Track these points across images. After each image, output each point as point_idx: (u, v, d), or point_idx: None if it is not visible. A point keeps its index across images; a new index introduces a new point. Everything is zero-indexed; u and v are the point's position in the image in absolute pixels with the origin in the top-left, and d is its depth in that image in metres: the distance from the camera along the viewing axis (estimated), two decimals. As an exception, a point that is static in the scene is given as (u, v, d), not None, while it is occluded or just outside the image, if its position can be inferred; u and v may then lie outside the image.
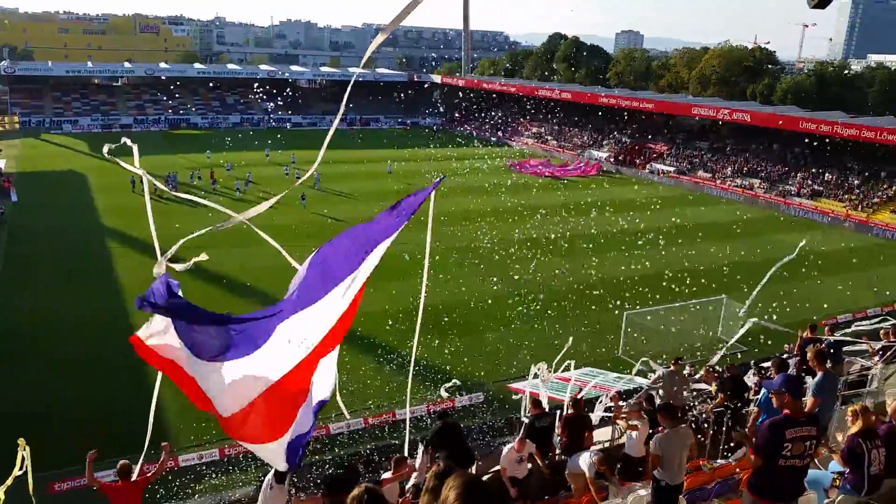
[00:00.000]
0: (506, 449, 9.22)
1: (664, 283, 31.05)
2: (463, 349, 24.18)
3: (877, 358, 12.30)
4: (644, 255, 36.46)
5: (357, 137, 68.91)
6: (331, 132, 3.57)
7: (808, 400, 8.33)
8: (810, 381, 8.77)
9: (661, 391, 12.90)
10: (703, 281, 31.50)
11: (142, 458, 6.86)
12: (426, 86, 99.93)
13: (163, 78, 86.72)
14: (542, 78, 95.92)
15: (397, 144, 69.71)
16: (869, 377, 11.76)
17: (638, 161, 67.91)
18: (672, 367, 12.90)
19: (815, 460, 7.85)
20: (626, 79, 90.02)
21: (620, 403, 11.94)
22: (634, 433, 9.73)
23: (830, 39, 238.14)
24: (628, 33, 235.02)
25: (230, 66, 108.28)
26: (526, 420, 11.13)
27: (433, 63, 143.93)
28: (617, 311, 26.48)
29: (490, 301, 28.70)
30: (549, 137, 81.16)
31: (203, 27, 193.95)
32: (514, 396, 19.76)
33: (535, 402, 11.46)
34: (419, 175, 55.11)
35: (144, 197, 4.27)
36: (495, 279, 31.84)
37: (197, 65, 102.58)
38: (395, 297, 26.43)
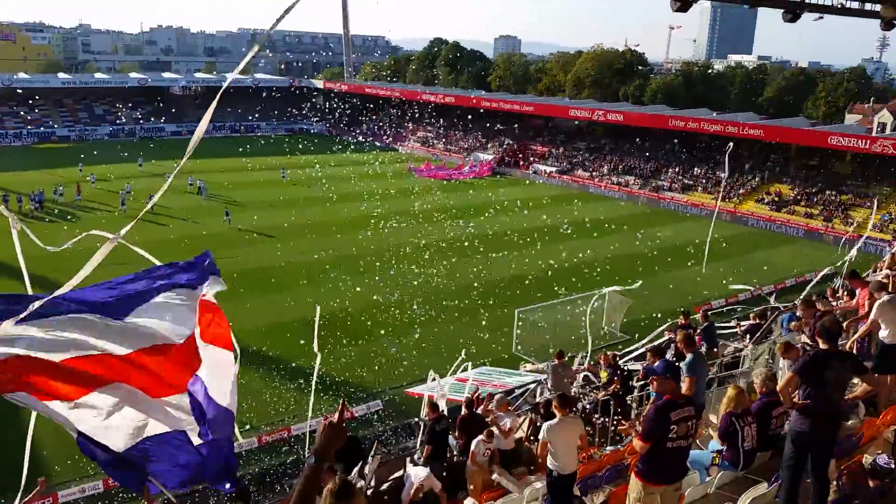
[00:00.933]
0: (413, 480, 9.02)
1: (553, 279, 32.06)
2: (358, 357, 23.94)
3: (747, 339, 13.16)
4: (533, 253, 37.49)
5: (243, 147, 66.76)
6: (194, 140, 3.35)
7: (685, 379, 8.82)
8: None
9: (549, 384, 13.22)
10: (587, 275, 32.82)
11: (18, 498, 6.35)
12: (312, 91, 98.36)
13: (19, 91, 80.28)
14: (426, 82, 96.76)
15: (285, 151, 68.18)
16: (741, 358, 12.58)
17: (521, 162, 69.81)
18: (556, 361, 13.23)
19: (697, 441, 8.30)
20: (507, 82, 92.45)
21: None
22: (507, 418, 9.91)
23: (694, 41, 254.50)
24: (506, 38, 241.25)
25: (98, 75, 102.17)
26: (422, 423, 11.12)
27: (315, 68, 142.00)
28: (506, 309, 27.09)
29: (384, 307, 28.60)
30: (436, 141, 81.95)
31: (66, 35, 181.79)
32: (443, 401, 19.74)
33: (433, 405, 11.45)
34: (313, 181, 54.12)
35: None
36: (388, 284, 31.73)
37: (61, 74, 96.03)
38: (285, 310, 25.84)
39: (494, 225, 43.86)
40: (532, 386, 16.28)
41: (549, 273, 33.77)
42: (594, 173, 63.64)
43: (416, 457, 10.57)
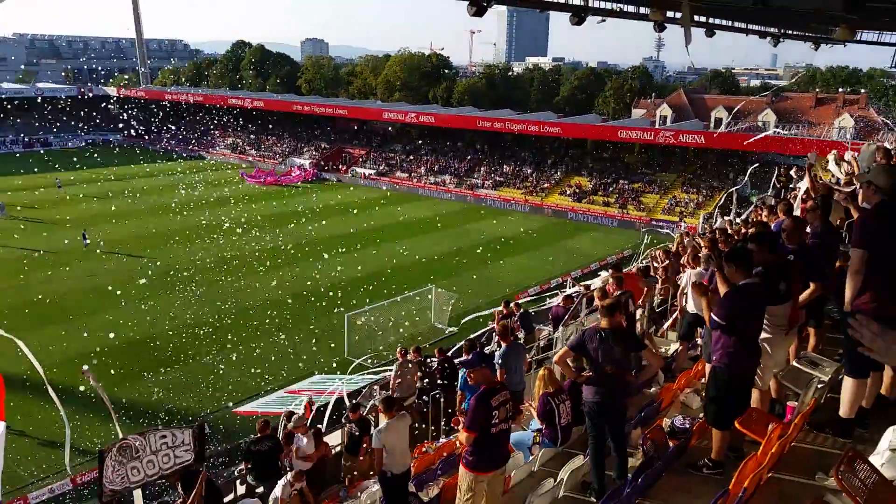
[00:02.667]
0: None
1: (378, 281, 32.19)
2: (177, 381, 22.48)
3: (556, 325, 13.98)
4: (359, 256, 37.41)
5: (34, 161, 60.03)
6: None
7: (499, 370, 9.26)
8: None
9: (398, 383, 13.20)
10: (414, 274, 33.38)
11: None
12: (108, 100, 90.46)
13: None
14: (231, 87, 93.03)
15: (79, 164, 62.21)
16: (554, 340, 13.39)
17: (340, 166, 69.42)
18: (401, 359, 13.28)
19: (520, 423, 8.71)
20: (317, 86, 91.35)
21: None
22: (304, 439, 9.70)
23: (494, 44, 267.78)
24: (314, 41, 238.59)
25: None
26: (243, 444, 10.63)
27: (107, 75, 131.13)
28: (336, 315, 26.80)
29: (204, 325, 27.09)
30: (248, 147, 79.08)
31: None
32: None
33: (264, 422, 11.04)
34: (108, 199, 49.89)
35: None
36: (207, 300, 30.10)
37: None
38: (85, 338, 23.63)
39: (317, 230, 43.22)
40: (365, 389, 16.22)
41: (377, 275, 33.89)
42: (412, 174, 64.83)
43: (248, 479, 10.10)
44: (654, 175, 55.61)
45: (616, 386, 5.81)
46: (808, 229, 6.86)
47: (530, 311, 17.01)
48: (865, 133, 48.31)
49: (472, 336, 17.65)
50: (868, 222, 4.68)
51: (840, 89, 69.94)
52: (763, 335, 5.77)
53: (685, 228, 26.78)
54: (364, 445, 9.85)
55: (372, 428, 9.81)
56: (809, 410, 5.69)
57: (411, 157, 67.87)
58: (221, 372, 23.29)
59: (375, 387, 14.98)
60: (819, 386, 6.10)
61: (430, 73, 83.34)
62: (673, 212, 49.45)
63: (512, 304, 16.36)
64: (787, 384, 6.17)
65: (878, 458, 4.60)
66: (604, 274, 14.74)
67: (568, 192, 55.83)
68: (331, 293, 30.82)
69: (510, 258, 38.52)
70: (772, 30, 21.43)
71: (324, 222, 45.52)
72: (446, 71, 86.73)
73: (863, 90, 67.98)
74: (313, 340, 25.80)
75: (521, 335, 15.16)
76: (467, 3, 11.91)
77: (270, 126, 78.69)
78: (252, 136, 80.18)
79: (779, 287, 5.83)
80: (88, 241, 38.40)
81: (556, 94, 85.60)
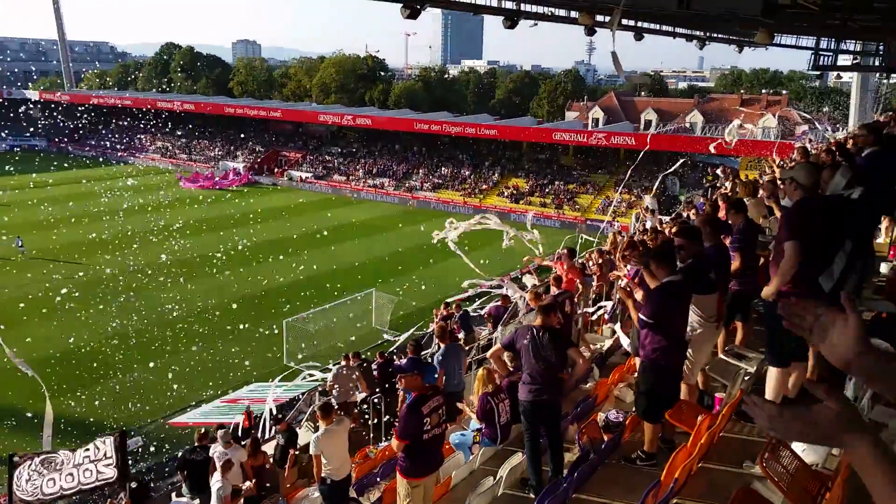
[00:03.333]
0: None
1: (318, 285, 31.81)
2: (110, 394, 21.68)
3: (492, 326, 14.14)
4: (296, 261, 36.87)
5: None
6: None
7: (438, 370, 9.30)
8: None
9: (335, 390, 13.05)
10: (353, 277, 33.11)
11: None
12: (27, 103, 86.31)
13: None
14: (161, 90, 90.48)
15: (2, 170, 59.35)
16: (493, 340, 13.51)
17: (275, 169, 68.34)
18: (343, 363, 13.15)
19: (459, 423, 8.75)
20: (250, 88, 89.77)
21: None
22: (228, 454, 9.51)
23: (430, 47, 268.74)
24: (246, 42, 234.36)
25: None
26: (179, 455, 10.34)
27: (27, 77, 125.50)
28: (274, 321, 26.37)
29: (137, 334, 26.21)
30: (178, 151, 76.98)
31: None
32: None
33: (203, 432, 10.79)
34: (31, 207, 47.76)
35: None
36: (138, 308, 29.13)
37: None
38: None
39: (253, 235, 42.41)
40: (304, 395, 16.03)
41: (316, 279, 33.46)
42: (350, 177, 64.36)
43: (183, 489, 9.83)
44: (588, 176, 56.76)
45: (549, 384, 5.89)
46: (732, 226, 7.14)
47: (469, 311, 17.15)
48: (787, 132, 50.51)
49: (416, 336, 17.65)
50: (794, 217, 4.90)
51: (763, 91, 72.87)
52: (694, 330, 5.96)
53: (618, 227, 27.43)
54: (290, 456, 9.71)
55: (301, 438, 9.72)
56: (736, 401, 5.90)
57: (349, 160, 67.36)
58: (156, 382, 22.58)
59: (315, 393, 14.79)
60: (745, 377, 6.34)
61: (366, 76, 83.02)
62: (607, 211, 50.58)
63: (452, 305, 16.45)
64: (715, 376, 6.39)
65: (799, 445, 4.80)
66: (530, 280, 15.00)
67: (506, 194, 56.42)
68: (268, 298, 30.31)
69: (450, 260, 38.55)
70: (697, 33, 22.20)
71: (260, 227, 44.75)
72: (382, 73, 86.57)
73: (784, 91, 71.08)
74: (251, 347, 25.31)
75: (461, 336, 15.25)
76: (401, 5, 11.93)
77: (202, 129, 76.83)
78: (183, 139, 78.09)
79: (709, 277, 6.05)
80: (24, 248, 36.86)
81: (492, 96, 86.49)
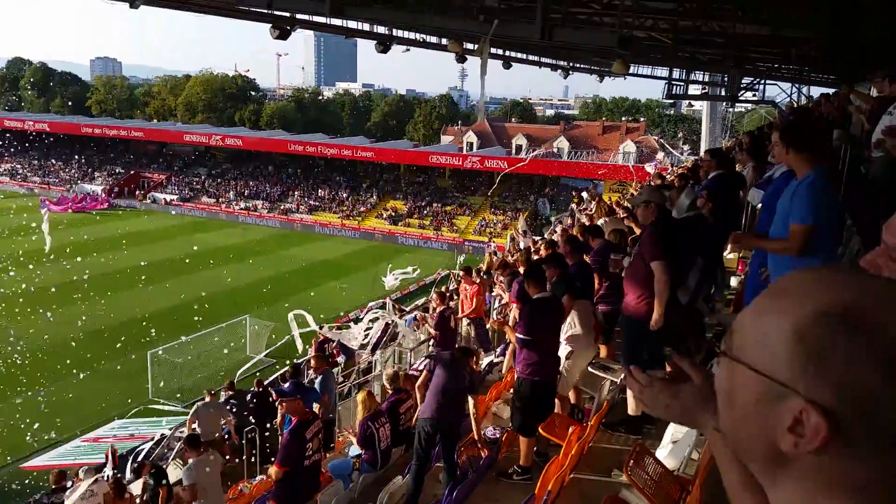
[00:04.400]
0: None
1: (188, 314, 30.28)
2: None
3: (370, 350, 14.05)
4: (163, 288, 34.97)
5: None
6: None
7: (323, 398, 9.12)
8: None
9: (197, 427, 12.41)
10: (225, 304, 31.78)
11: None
12: None
13: None
14: (10, 108, 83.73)
15: None
16: (373, 363, 13.43)
17: (137, 192, 64.78)
18: (207, 399, 12.54)
19: (338, 450, 8.59)
20: (110, 107, 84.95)
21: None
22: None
23: (303, 68, 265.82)
24: (105, 60, 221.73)
25: None
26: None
27: None
28: (139, 353, 24.81)
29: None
30: (29, 174, 71.22)
31: None
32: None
33: (59, 473, 10.00)
34: None
35: None
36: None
37: None
38: None
39: (115, 262, 39.79)
40: (171, 431, 15.15)
41: (185, 307, 31.82)
42: (220, 199, 62.09)
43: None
44: (464, 198, 57.97)
45: (456, 404, 6.06)
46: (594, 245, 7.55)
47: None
48: (646, 157, 54.01)
49: (296, 362, 17.16)
50: (656, 237, 5.22)
51: (623, 118, 77.71)
52: (570, 346, 6.23)
53: (494, 248, 28.15)
54: (162, 493, 9.15)
55: (171, 475, 9.20)
56: (604, 412, 6.18)
57: (218, 182, 64.98)
58: (5, 423, 20.52)
59: (182, 429, 14.00)
60: (611, 388, 6.65)
61: (236, 95, 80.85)
62: (484, 232, 51.83)
63: (331, 330, 16.17)
64: (584, 389, 6.67)
65: (662, 452, 5.09)
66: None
67: (384, 216, 56.50)
68: (133, 329, 28.43)
69: (329, 283, 38.10)
70: (561, 63, 23.40)
71: (124, 252, 42.08)
72: (253, 93, 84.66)
73: (642, 119, 76.10)
74: (114, 382, 23.64)
75: (340, 360, 15.03)
76: (270, 25, 11.75)
77: (56, 150, 71.62)
78: (35, 161, 72.39)
79: (584, 285, 6.38)
80: None
81: (368, 119, 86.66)
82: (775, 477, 0.85)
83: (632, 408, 5.99)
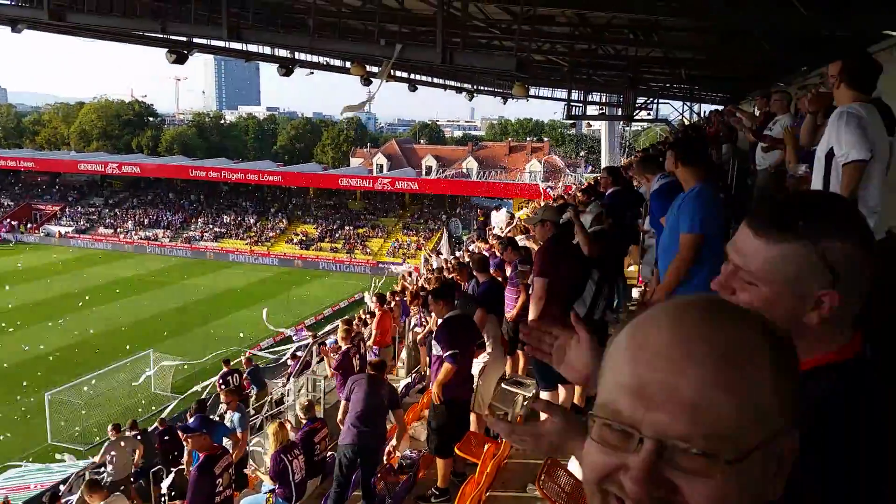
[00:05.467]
0: None
1: (86, 351, 28.70)
2: None
3: (290, 381, 13.75)
4: (56, 327, 32.90)
5: None
6: None
7: (240, 434, 8.83)
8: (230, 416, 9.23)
9: (110, 466, 11.70)
10: (126, 339, 30.27)
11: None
12: None
13: None
14: None
15: None
16: (286, 392, 13.10)
17: (29, 225, 61.03)
18: (113, 436, 11.86)
19: (252, 486, 8.31)
20: (-5, 136, 80.00)
21: None
22: None
23: (203, 92, 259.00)
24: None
25: None
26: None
27: None
28: (33, 396, 23.24)
29: None
30: None
31: None
32: None
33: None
34: None
35: None
36: None
37: None
38: None
39: (7, 299, 37.18)
40: (71, 477, 14.22)
41: (83, 344, 30.11)
42: (118, 230, 59.34)
43: None
44: (376, 220, 57.80)
45: (375, 427, 6.03)
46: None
47: (260, 365, 16.49)
48: (551, 175, 55.60)
49: (200, 398, 16.50)
50: (543, 256, 5.40)
51: (528, 138, 79.84)
52: (482, 360, 6.30)
53: (409, 268, 28.19)
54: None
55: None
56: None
57: (115, 212, 62.09)
58: None
59: (86, 473, 13.17)
60: (524, 403, 6.75)
61: (133, 121, 77.92)
62: (397, 254, 51.75)
63: (243, 360, 15.73)
64: (497, 405, 6.74)
65: (574, 463, 5.20)
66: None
67: (295, 241, 55.50)
68: (26, 370, 26.63)
69: (238, 312, 36.97)
70: (466, 85, 23.84)
71: (14, 289, 39.44)
72: (151, 119, 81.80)
73: (546, 139, 78.42)
74: (8, 427, 22.00)
75: (252, 391, 14.58)
76: (166, 50, 11.41)
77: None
78: None
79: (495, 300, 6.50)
80: None
81: (274, 142, 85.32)
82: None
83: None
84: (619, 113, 25.40)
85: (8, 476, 16.95)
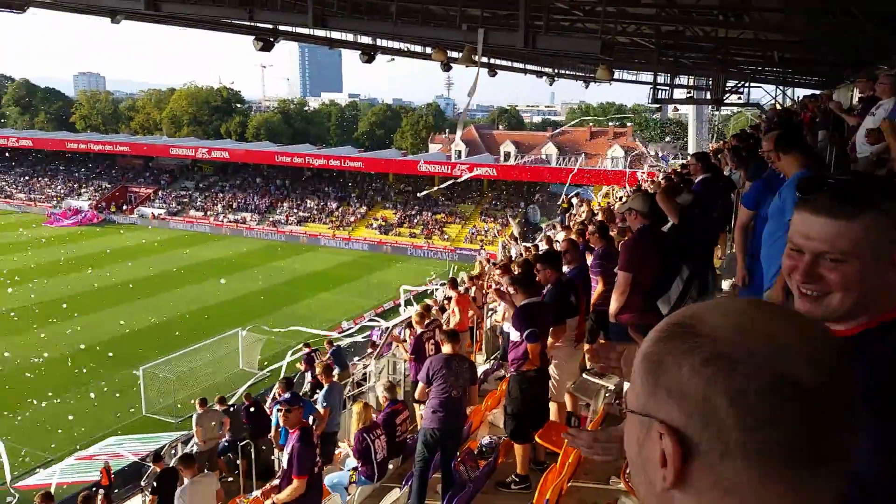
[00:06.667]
0: None
1: (178, 328, 30.12)
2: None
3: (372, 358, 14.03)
4: (153, 303, 34.72)
5: None
6: None
7: (324, 410, 9.08)
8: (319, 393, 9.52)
9: (197, 438, 12.30)
10: (217, 317, 31.60)
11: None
12: None
13: None
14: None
15: None
16: (367, 374, 13.36)
17: (125, 207, 64.46)
18: (200, 409, 12.44)
19: (336, 463, 8.54)
20: (94, 122, 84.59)
21: None
22: None
23: (288, 79, 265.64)
24: (88, 75, 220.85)
25: None
26: None
27: None
28: (131, 369, 24.61)
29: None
30: (15, 191, 70.68)
31: None
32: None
33: (45, 495, 9.83)
34: None
35: None
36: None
37: None
38: None
39: (105, 278, 39.51)
40: (165, 447, 15.01)
41: (177, 322, 31.64)
42: (208, 213, 61.84)
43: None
44: (454, 206, 57.97)
45: (458, 410, 6.04)
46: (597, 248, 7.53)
47: (343, 346, 16.87)
48: (634, 161, 54.27)
49: (287, 377, 17.08)
50: (630, 249, 5.25)
51: (610, 123, 78.08)
52: (555, 349, 6.21)
53: (486, 255, 28.17)
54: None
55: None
56: (600, 418, 6.18)
57: (206, 195, 64.74)
58: (3, 442, 20.31)
59: (178, 444, 13.88)
60: (607, 395, 6.65)
61: (221, 107, 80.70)
62: (475, 240, 51.83)
63: (325, 342, 16.13)
64: (579, 395, 6.66)
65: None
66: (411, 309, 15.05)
67: (374, 226, 56.41)
68: (124, 345, 28.26)
69: (321, 294, 37.97)
70: (547, 70, 23.49)
71: (112, 268, 41.83)
72: (238, 105, 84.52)
73: (629, 124, 76.50)
74: (106, 398, 23.43)
75: (335, 372, 14.95)
76: (253, 38, 11.74)
77: (41, 167, 71.21)
78: (20, 177, 71.92)
79: (570, 301, 6.36)
80: None
81: (355, 129, 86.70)
82: None
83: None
84: (708, 97, 24.47)
85: (108, 443, 18.09)
